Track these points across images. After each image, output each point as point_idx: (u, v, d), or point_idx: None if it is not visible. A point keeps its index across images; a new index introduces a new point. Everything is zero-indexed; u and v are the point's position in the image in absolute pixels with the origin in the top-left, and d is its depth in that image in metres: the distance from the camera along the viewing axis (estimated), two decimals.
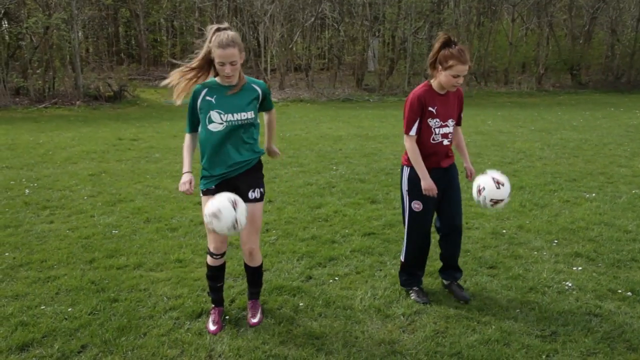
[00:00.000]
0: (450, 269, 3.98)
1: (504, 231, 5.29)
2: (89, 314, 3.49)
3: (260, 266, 3.50)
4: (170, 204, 6.12)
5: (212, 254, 3.35)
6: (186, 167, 3.27)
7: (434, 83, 3.59)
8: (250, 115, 3.19)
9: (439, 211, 3.85)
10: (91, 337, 3.21)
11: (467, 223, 5.51)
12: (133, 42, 26.14)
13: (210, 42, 3.06)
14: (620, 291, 3.95)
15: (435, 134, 3.61)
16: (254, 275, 3.51)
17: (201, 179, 3.30)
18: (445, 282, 4.01)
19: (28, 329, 3.28)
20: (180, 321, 3.45)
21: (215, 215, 2.90)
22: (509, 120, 14.40)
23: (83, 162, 8.29)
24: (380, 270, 4.36)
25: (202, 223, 5.41)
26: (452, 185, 3.78)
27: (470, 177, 3.89)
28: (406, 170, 3.72)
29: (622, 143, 10.53)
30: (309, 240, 4.98)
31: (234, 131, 3.18)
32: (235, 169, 3.24)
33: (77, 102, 15.45)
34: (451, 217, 3.82)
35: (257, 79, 3.42)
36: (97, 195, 6.43)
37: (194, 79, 3.16)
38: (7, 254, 4.52)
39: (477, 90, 22.38)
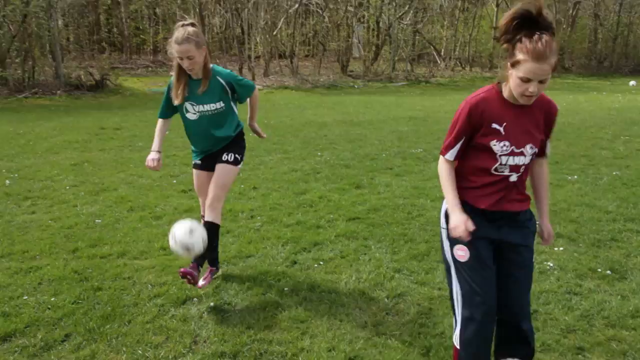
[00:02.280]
0: None
1: None
2: (73, 303, 3.47)
3: (216, 226, 3.56)
4: (154, 192, 6.07)
5: (202, 217, 3.70)
6: (155, 146, 3.62)
7: (505, 88, 2.27)
8: (219, 105, 3.50)
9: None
10: (75, 326, 3.19)
11: None
12: (115, 30, 25.73)
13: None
14: (600, 270, 4.01)
15: (501, 164, 2.29)
16: (209, 232, 3.39)
17: (192, 153, 3.76)
18: None
19: (10, 319, 3.24)
20: (165, 308, 3.44)
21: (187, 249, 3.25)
22: None
23: (65, 152, 8.19)
24: (365, 254, 4.37)
25: (186, 211, 5.39)
26: (518, 246, 2.38)
27: (547, 242, 2.51)
28: (444, 207, 2.44)
29: (604, 126, 10.66)
30: (294, 225, 4.98)
31: (208, 118, 3.51)
32: (215, 145, 3.61)
33: (58, 92, 15.22)
34: (510, 299, 2.40)
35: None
36: (79, 185, 6.36)
37: (183, 86, 3.45)
38: None
39: (462, 75, 22.44)
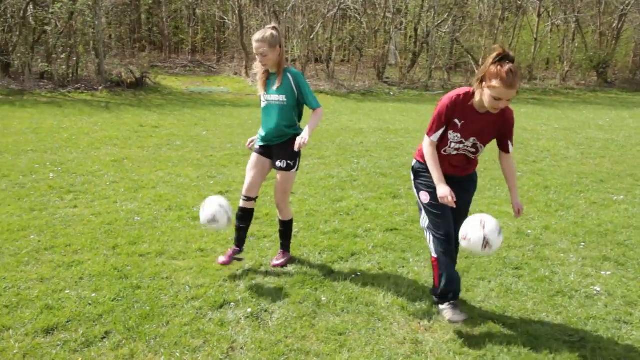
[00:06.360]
0: None
1: (529, 231, 5.19)
2: (112, 300, 3.50)
3: (289, 222, 4.25)
4: (192, 192, 6.12)
5: (242, 196, 4.11)
6: (260, 130, 4.17)
7: (476, 96, 3.14)
8: (282, 98, 3.92)
9: None
10: (114, 323, 3.21)
11: None
12: (155, 29, 26.20)
13: None
14: None
15: (449, 147, 3.29)
16: (283, 227, 4.26)
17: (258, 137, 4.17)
18: (435, 297, 3.57)
19: (53, 313, 3.29)
20: (202, 311, 3.43)
21: (214, 220, 3.75)
22: (533, 117, 14.17)
23: (105, 148, 8.34)
24: (403, 267, 4.30)
25: None
26: (461, 196, 3.35)
27: (518, 215, 3.43)
28: (414, 163, 3.53)
29: None
30: (331, 233, 4.93)
31: (272, 109, 3.96)
32: (272, 139, 4.02)
33: (100, 88, 15.55)
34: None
35: None
36: (119, 181, 6.46)
37: (264, 78, 4.01)
38: (32, 236, 4.55)
39: None
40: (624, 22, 24.58)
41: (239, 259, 4.17)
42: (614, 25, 24.61)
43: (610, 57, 24.44)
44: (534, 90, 21.96)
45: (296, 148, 3.80)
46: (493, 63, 3.00)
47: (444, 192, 3.18)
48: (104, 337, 3.09)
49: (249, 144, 4.23)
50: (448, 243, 3.36)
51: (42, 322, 3.16)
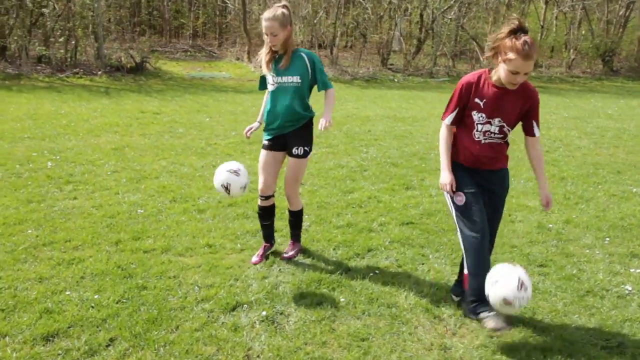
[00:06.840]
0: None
1: (550, 225, 4.96)
2: (117, 303, 3.26)
3: (299, 212, 4.07)
4: (197, 182, 5.87)
5: (260, 196, 3.96)
6: (258, 117, 4.04)
7: (493, 74, 3.03)
8: (296, 79, 3.70)
9: None
10: (120, 329, 2.97)
11: (510, 215, 5.19)
12: (155, 13, 25.71)
13: None
14: None
15: (477, 130, 3.09)
16: (293, 218, 4.09)
17: (264, 132, 3.93)
18: (455, 297, 3.50)
19: (53, 317, 3.04)
20: (214, 314, 3.19)
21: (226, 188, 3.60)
22: (540, 106, 13.84)
23: (106, 135, 8.06)
24: (423, 264, 4.07)
25: (230, 205, 5.16)
26: (493, 194, 3.23)
27: (547, 207, 3.25)
28: None
29: None
30: (344, 227, 4.70)
31: (283, 92, 3.73)
32: (285, 126, 3.79)
33: (99, 73, 15.21)
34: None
35: None
36: (121, 170, 6.20)
37: (270, 57, 3.76)
38: (29, 231, 4.30)
39: None
40: (632, 10, 24.16)
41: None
42: (621, 13, 24.20)
43: (616, 45, 24.07)
44: (539, 77, 21.64)
45: (320, 128, 3.63)
46: (507, 36, 2.86)
47: (445, 179, 3.15)
48: (109, 345, 2.85)
49: (248, 132, 3.95)
50: (481, 242, 3.12)
51: (41, 328, 2.92)
